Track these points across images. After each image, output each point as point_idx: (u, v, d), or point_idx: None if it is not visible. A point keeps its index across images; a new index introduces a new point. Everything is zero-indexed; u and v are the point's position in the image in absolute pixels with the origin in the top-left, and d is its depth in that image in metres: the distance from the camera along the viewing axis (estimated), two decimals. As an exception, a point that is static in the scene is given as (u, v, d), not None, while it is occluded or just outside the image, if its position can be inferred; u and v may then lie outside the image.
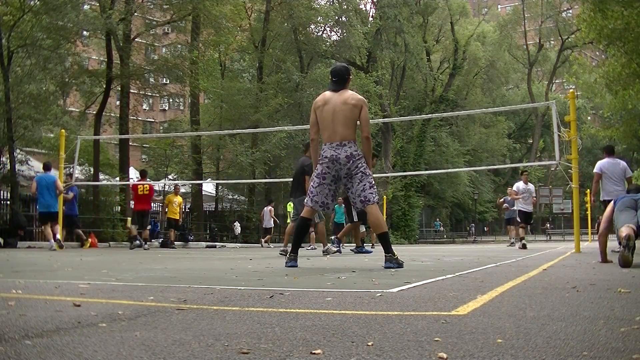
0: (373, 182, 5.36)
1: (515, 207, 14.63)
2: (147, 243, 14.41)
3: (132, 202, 15.92)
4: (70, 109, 26.03)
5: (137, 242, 13.48)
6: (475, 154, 46.31)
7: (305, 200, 5.64)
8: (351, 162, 5.24)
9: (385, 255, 5.30)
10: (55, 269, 5.31)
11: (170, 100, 46.00)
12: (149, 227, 15.36)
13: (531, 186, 14.16)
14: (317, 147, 5.51)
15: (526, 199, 13.81)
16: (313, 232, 16.90)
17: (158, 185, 21.55)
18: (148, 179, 16.24)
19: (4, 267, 5.60)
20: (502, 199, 18.18)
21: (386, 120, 23.82)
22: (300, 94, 26.57)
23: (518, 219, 14.31)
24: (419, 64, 35.61)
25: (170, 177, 24.37)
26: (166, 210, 17.14)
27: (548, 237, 38.98)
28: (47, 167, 12.63)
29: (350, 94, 5.43)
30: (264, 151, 23.63)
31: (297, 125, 20.92)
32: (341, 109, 5.32)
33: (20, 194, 16.66)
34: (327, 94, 5.50)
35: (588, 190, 18.90)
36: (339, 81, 5.50)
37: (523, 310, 2.40)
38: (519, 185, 14.04)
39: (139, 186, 14.18)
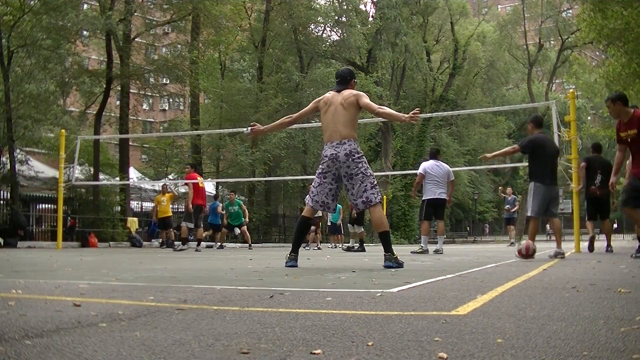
0: (375, 182, 5.37)
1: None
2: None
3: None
4: (70, 109, 26.02)
5: (184, 246, 12.40)
6: (475, 154, 46.25)
7: (306, 200, 5.66)
8: (350, 159, 5.26)
9: (385, 255, 5.31)
10: (55, 269, 5.31)
11: (170, 100, 45.96)
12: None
13: None
14: (284, 123, 6.01)
15: None
16: (313, 232, 16.91)
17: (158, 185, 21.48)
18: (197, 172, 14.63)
19: (4, 267, 5.60)
20: (500, 192, 18.85)
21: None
22: (300, 94, 26.55)
23: None
24: (419, 64, 35.57)
25: (170, 177, 24.32)
26: (157, 211, 16.74)
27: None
28: (215, 197, 18.08)
29: (348, 92, 5.50)
30: (264, 151, 23.61)
31: (297, 125, 20.92)
32: (341, 109, 5.40)
33: (20, 194, 16.65)
34: (330, 94, 5.62)
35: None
36: (341, 81, 5.63)
37: (523, 310, 2.40)
38: None
39: (198, 178, 12.78)
